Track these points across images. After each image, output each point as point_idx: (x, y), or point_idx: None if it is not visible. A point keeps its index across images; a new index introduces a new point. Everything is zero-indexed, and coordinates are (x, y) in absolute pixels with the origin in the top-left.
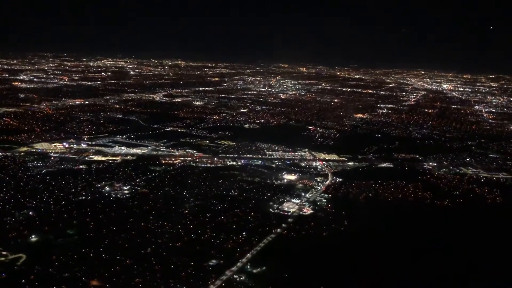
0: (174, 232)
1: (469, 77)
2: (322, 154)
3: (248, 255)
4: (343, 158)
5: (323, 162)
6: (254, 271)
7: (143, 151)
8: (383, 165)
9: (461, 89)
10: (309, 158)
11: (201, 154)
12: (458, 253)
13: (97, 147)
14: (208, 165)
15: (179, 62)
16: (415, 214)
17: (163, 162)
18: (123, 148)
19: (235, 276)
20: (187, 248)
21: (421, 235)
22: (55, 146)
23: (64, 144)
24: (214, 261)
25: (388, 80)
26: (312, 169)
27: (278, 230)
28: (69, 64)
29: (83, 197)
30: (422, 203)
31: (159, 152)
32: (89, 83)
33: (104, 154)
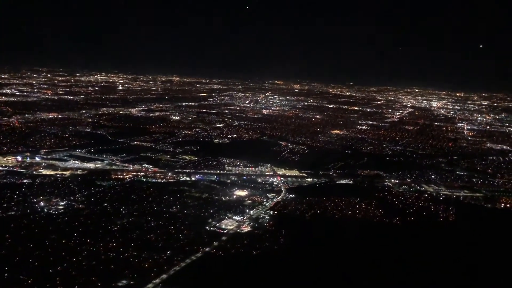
0: (94, 250)
1: (462, 95)
2: (283, 169)
3: (164, 276)
4: (303, 174)
5: (281, 178)
6: None
7: (96, 166)
8: (342, 181)
9: (450, 106)
10: (268, 173)
11: (155, 169)
12: (393, 270)
13: (50, 161)
14: (160, 180)
15: (174, 77)
16: (359, 232)
17: (113, 177)
18: (77, 162)
19: None
20: (101, 267)
21: (360, 254)
22: (7, 159)
23: (18, 157)
24: (124, 281)
25: (378, 98)
26: (267, 185)
27: (207, 248)
28: (59, 78)
29: (13, 213)
30: (370, 221)
31: (113, 167)
32: (71, 97)
33: (55, 168)
